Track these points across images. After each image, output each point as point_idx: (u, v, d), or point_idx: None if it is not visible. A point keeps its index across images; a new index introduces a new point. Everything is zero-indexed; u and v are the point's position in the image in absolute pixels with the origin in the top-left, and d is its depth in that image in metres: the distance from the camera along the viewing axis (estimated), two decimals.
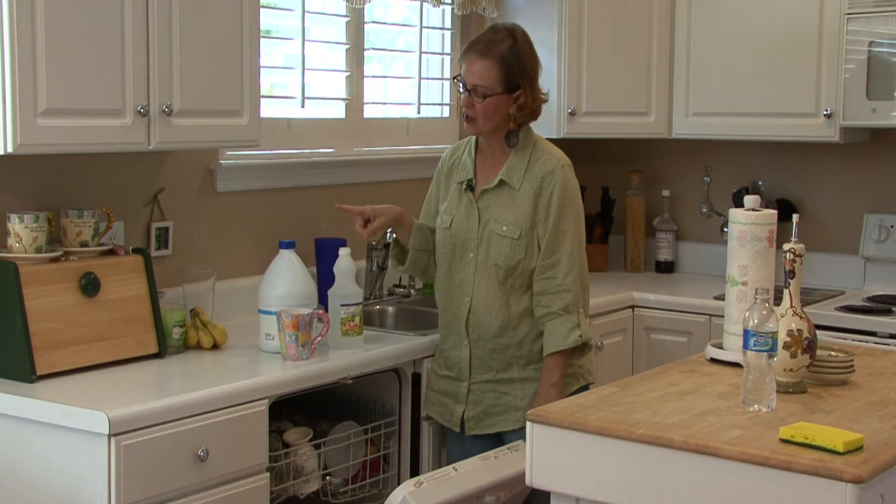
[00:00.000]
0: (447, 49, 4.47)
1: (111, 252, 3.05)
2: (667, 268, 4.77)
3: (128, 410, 2.54)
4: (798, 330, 2.54)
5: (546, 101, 3.23)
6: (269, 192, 3.77)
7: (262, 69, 3.30)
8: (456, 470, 2.80)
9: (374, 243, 3.90)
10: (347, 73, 4.04)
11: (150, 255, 3.12)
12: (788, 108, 4.19)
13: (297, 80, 3.83)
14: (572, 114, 4.40)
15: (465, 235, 3.20)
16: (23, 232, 2.89)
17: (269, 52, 3.71)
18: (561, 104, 4.38)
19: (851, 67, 4.00)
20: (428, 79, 4.40)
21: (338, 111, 4.06)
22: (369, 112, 4.17)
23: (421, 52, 4.34)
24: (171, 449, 2.62)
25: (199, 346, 3.15)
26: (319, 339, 3.13)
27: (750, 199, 2.82)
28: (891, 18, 3.94)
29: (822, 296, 4.21)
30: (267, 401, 2.87)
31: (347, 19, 4.02)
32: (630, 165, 4.87)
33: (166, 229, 3.42)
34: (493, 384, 3.20)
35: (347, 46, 4.03)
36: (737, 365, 2.68)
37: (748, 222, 2.78)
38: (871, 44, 3.97)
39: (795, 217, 2.67)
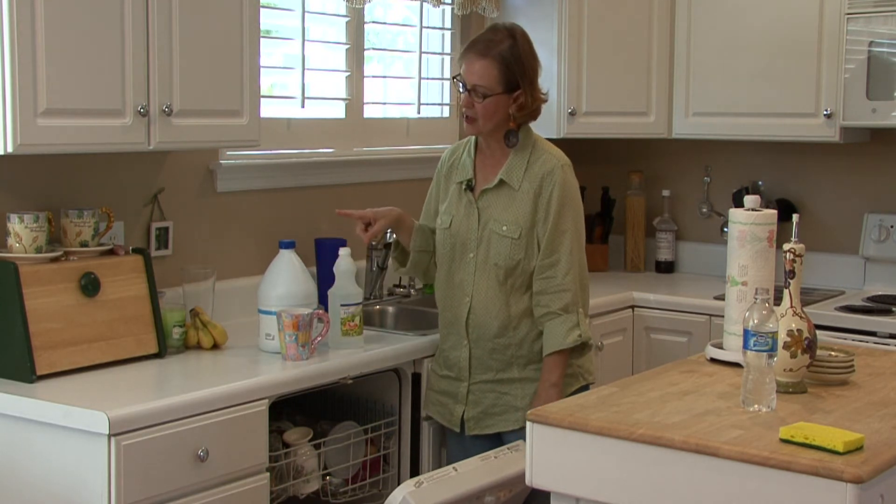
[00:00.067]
0: (447, 49, 4.47)
1: (111, 252, 3.05)
2: (667, 268, 4.78)
3: (128, 410, 2.54)
4: (798, 330, 2.54)
5: (546, 100, 3.23)
6: (269, 192, 3.77)
7: (262, 69, 3.30)
8: (456, 470, 2.80)
9: (374, 243, 3.89)
10: (347, 73, 4.04)
11: (150, 255, 3.12)
12: (788, 108, 4.19)
13: (297, 80, 3.83)
14: (572, 114, 4.40)
15: (464, 235, 3.20)
16: (23, 232, 2.89)
17: (269, 52, 3.71)
18: (561, 104, 4.38)
19: (851, 67, 4.00)
20: (428, 79, 4.40)
21: (338, 111, 4.06)
22: (369, 112, 4.17)
23: (421, 52, 4.34)
24: (171, 449, 2.62)
25: (199, 346, 3.15)
26: (319, 339, 3.13)
27: (750, 199, 2.82)
28: (891, 18, 3.94)
29: (822, 296, 4.21)
30: (267, 401, 2.87)
31: (347, 19, 4.02)
32: (630, 165, 4.87)
33: (166, 229, 3.42)
34: (493, 384, 3.20)
35: (347, 46, 4.03)
36: (737, 365, 2.68)
37: (748, 222, 2.78)
38: (871, 44, 3.97)
39: (795, 217, 2.67)
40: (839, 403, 2.48)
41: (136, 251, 3.09)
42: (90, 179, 3.23)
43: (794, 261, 2.57)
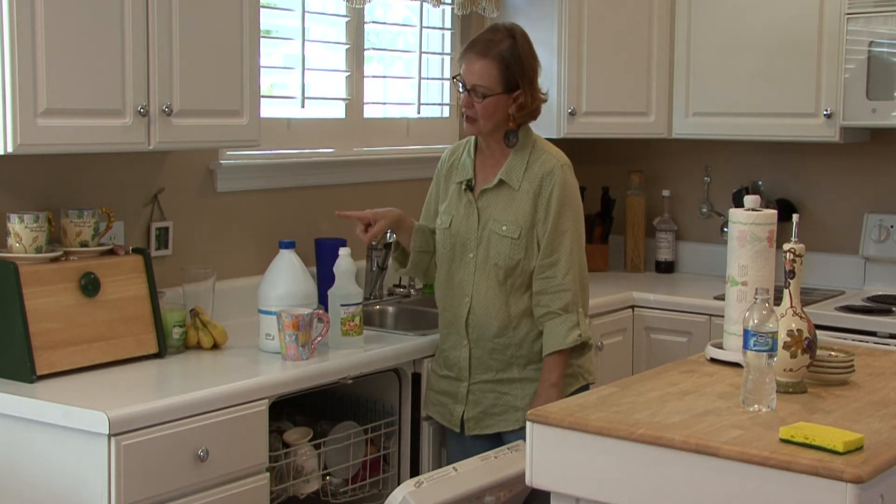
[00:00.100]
0: (447, 49, 4.47)
1: (111, 252, 3.05)
2: (667, 268, 4.78)
3: (128, 410, 2.54)
4: (798, 330, 2.54)
5: (546, 100, 3.23)
6: (269, 192, 3.77)
7: (262, 69, 3.30)
8: (456, 470, 2.80)
9: (374, 243, 3.90)
10: (347, 73, 4.04)
11: (150, 255, 3.12)
12: (788, 108, 4.19)
13: (297, 80, 3.83)
14: (572, 114, 4.40)
15: (464, 235, 3.20)
16: (23, 232, 2.89)
17: (269, 52, 3.71)
18: (561, 104, 4.38)
19: (851, 67, 4.00)
20: (428, 79, 4.40)
21: (338, 111, 4.06)
22: (369, 112, 4.17)
23: (421, 52, 4.34)
24: (171, 449, 2.62)
25: (199, 346, 3.15)
26: (319, 339, 3.13)
27: (750, 199, 2.82)
28: (891, 18, 3.94)
29: (822, 296, 4.21)
30: (267, 401, 2.87)
31: (347, 19, 4.02)
32: (630, 165, 4.87)
33: (166, 229, 3.42)
34: (493, 384, 3.20)
35: (347, 46, 4.03)
36: (737, 365, 2.68)
37: (748, 222, 2.77)
38: (871, 44, 3.97)
39: (795, 217, 2.67)
40: (839, 403, 2.48)
41: (136, 251, 3.09)
42: (90, 179, 3.23)
43: (794, 261, 2.57)
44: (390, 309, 3.91)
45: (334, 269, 3.29)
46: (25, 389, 2.70)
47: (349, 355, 3.16)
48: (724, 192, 4.61)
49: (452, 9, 4.39)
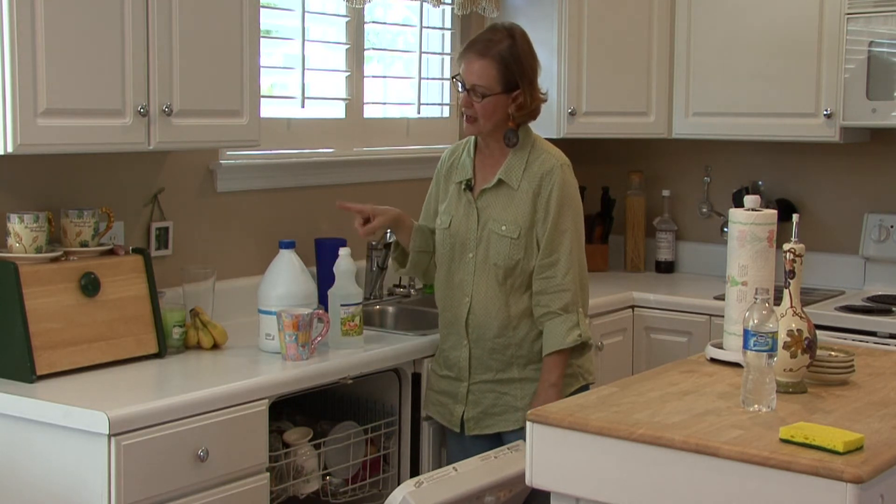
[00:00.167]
0: (447, 49, 4.47)
1: (111, 252, 3.05)
2: (667, 268, 4.78)
3: (128, 410, 2.54)
4: (798, 330, 2.54)
5: (545, 100, 3.23)
6: (269, 192, 3.77)
7: (262, 69, 3.30)
8: (456, 470, 2.80)
9: (374, 243, 3.90)
10: (347, 73, 4.04)
11: (150, 255, 3.12)
12: (788, 108, 4.19)
13: (297, 80, 3.83)
14: (572, 114, 4.40)
15: (464, 235, 3.20)
16: (23, 232, 2.89)
17: (269, 52, 3.71)
18: (561, 104, 4.38)
19: (851, 67, 4.00)
20: (428, 79, 4.40)
21: (338, 111, 4.06)
22: (369, 112, 4.17)
23: (421, 52, 4.34)
24: (171, 449, 2.62)
25: (199, 346, 3.15)
26: (319, 339, 3.13)
27: (750, 199, 2.81)
28: (891, 18, 3.94)
29: (822, 296, 4.21)
30: (267, 401, 2.87)
31: (347, 19, 4.02)
32: (630, 165, 4.87)
33: (166, 229, 3.42)
34: (493, 384, 3.20)
35: (347, 46, 4.03)
36: (737, 365, 2.68)
37: (748, 222, 2.77)
38: (871, 44, 3.97)
39: (795, 217, 2.67)
40: (839, 403, 2.48)
41: (136, 251, 3.09)
42: (90, 179, 3.23)
43: (794, 261, 2.57)
44: (390, 309, 3.91)
45: (334, 269, 3.29)
46: (25, 389, 2.70)
47: (349, 355, 3.16)
48: (724, 192, 4.61)
49: (452, 9, 4.39)
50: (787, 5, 4.17)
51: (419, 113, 4.36)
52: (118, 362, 2.94)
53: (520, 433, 3.03)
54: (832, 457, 2.08)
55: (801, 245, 2.58)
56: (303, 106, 3.86)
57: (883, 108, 3.95)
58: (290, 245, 3.26)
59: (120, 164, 3.29)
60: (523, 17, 4.29)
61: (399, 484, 2.87)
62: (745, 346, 2.40)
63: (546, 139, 3.27)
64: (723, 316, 2.89)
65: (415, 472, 3.32)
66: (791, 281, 2.58)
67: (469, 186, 3.23)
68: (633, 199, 4.82)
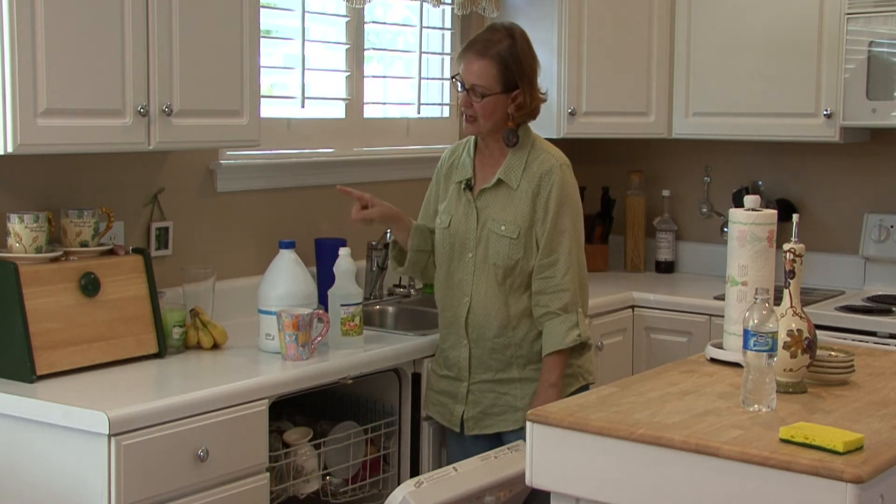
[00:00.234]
0: (447, 49, 4.47)
1: (111, 252, 3.05)
2: (667, 268, 4.78)
3: (128, 410, 2.54)
4: (798, 330, 2.54)
5: (545, 100, 3.23)
6: (269, 192, 3.77)
7: (262, 69, 3.30)
8: (456, 470, 2.80)
9: (374, 243, 3.90)
10: (347, 73, 4.04)
11: (150, 255, 3.12)
12: (788, 108, 4.19)
13: (297, 80, 3.83)
14: (572, 114, 4.40)
15: (463, 235, 3.20)
16: (23, 232, 2.89)
17: (269, 52, 3.71)
18: (561, 104, 4.38)
19: (851, 67, 4.00)
20: (428, 79, 4.40)
21: (338, 111, 4.06)
22: (369, 112, 4.17)
23: (421, 52, 4.34)
24: (171, 449, 2.62)
25: (199, 346, 3.15)
26: (319, 339, 3.13)
27: (750, 199, 2.81)
28: (891, 18, 3.94)
29: (822, 296, 4.21)
30: (267, 401, 2.87)
31: (347, 19, 4.02)
32: (630, 165, 4.87)
33: (166, 229, 3.42)
34: (493, 384, 3.20)
35: (347, 46, 4.03)
36: (737, 365, 2.68)
37: (748, 222, 2.77)
38: (871, 44, 3.97)
39: (795, 217, 2.67)
40: (839, 403, 2.48)
41: (136, 251, 3.09)
42: (90, 179, 3.23)
43: (794, 261, 2.57)
44: (390, 309, 3.91)
45: (334, 269, 3.29)
46: (25, 389, 2.70)
47: (349, 355, 3.16)
48: (724, 192, 4.61)
49: (452, 9, 4.39)
50: (787, 5, 4.17)
51: (419, 113, 4.36)
52: (118, 362, 2.94)
53: (519, 433, 3.03)
54: (832, 457, 2.07)
55: (801, 245, 2.58)
56: (303, 106, 3.86)
57: (883, 108, 3.95)
58: (290, 245, 3.26)
59: (120, 164, 3.29)
60: (523, 17, 4.29)
61: (399, 484, 2.87)
62: (745, 346, 2.40)
63: (546, 139, 3.27)
64: (723, 316, 2.89)
65: (415, 472, 3.32)
66: (791, 281, 2.58)
67: (469, 186, 3.23)
68: (633, 199, 4.82)
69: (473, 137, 3.26)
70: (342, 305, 3.22)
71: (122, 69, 2.89)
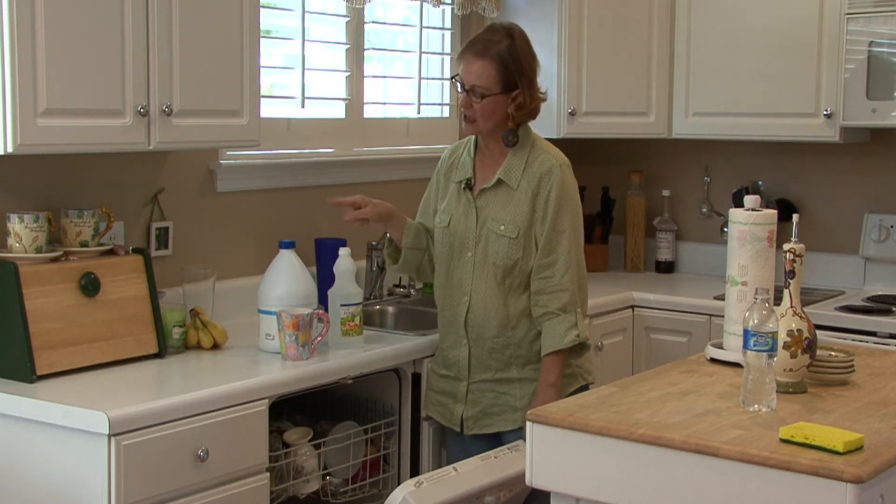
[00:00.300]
0: (447, 49, 4.47)
1: (111, 252, 3.05)
2: (667, 268, 4.78)
3: (128, 410, 2.54)
4: (798, 330, 2.54)
5: (545, 100, 3.23)
6: (269, 192, 3.77)
7: (262, 69, 3.30)
8: (456, 470, 2.80)
9: (374, 243, 3.90)
10: (347, 73, 4.04)
11: (150, 255, 3.12)
12: (788, 108, 4.19)
13: (297, 80, 3.83)
14: (572, 114, 4.40)
15: (463, 234, 3.20)
16: (23, 232, 2.89)
17: (269, 52, 3.71)
18: (561, 104, 4.38)
19: (851, 67, 4.00)
20: (428, 79, 4.40)
21: (338, 111, 4.06)
22: (369, 112, 4.17)
23: (421, 52, 4.34)
24: (171, 449, 2.62)
25: (199, 346, 3.15)
26: (319, 339, 3.13)
27: (750, 199, 2.82)
28: (891, 18, 3.94)
29: (822, 296, 4.21)
30: (267, 401, 2.87)
31: (347, 19, 4.02)
32: (630, 165, 4.87)
33: (166, 229, 3.42)
34: (492, 384, 3.20)
35: (347, 46, 4.03)
36: (737, 365, 2.68)
37: (748, 222, 2.77)
38: (871, 44, 3.97)
39: (795, 217, 2.67)
40: (839, 403, 2.48)
41: (136, 251, 3.09)
42: (90, 179, 3.23)
43: (794, 261, 2.57)
44: (390, 309, 3.91)
45: (334, 269, 3.29)
46: (25, 389, 2.70)
47: (349, 355, 3.16)
48: (724, 192, 4.61)
49: (452, 9, 4.39)
50: (787, 5, 4.17)
51: (419, 113, 4.36)
52: (118, 362, 2.94)
53: (518, 433, 3.04)
54: (832, 457, 2.08)
55: (801, 245, 2.58)
56: (303, 106, 3.86)
57: (883, 108, 3.95)
58: (290, 245, 3.26)
59: (120, 164, 3.29)
60: (523, 17, 4.29)
61: (399, 484, 2.87)
62: (745, 346, 2.40)
63: (546, 139, 3.27)
64: (723, 316, 2.89)
65: (415, 472, 3.32)
66: (791, 281, 2.58)
67: (469, 186, 3.23)
68: (633, 199, 4.82)
69: (474, 137, 3.26)
70: (342, 305, 3.22)
71: (122, 69, 2.89)
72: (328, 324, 3.16)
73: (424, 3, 4.26)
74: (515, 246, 3.12)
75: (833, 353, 2.73)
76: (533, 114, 3.20)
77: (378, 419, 3.35)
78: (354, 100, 4.08)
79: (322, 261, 3.71)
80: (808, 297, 4.05)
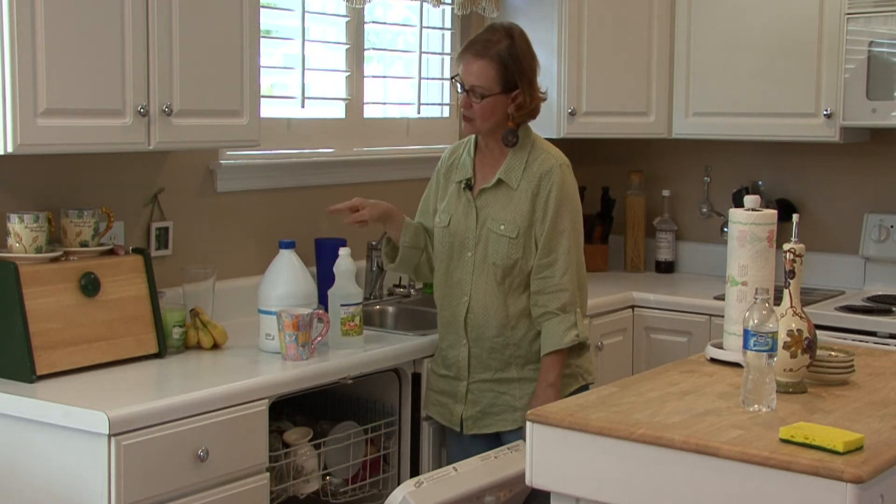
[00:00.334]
0: (447, 49, 4.47)
1: (111, 252, 3.05)
2: (667, 268, 4.78)
3: (128, 410, 2.54)
4: (798, 330, 2.54)
5: (545, 100, 3.23)
6: (269, 192, 3.77)
7: (262, 69, 3.30)
8: (456, 470, 2.80)
9: (374, 243, 3.90)
10: (347, 73, 4.04)
11: (150, 255, 3.12)
12: (788, 108, 4.19)
13: (297, 80, 3.83)
14: (572, 114, 4.40)
15: (462, 234, 3.20)
16: (23, 232, 2.89)
17: (269, 52, 3.71)
18: (561, 104, 4.38)
19: (851, 67, 4.00)
20: (428, 79, 4.40)
21: (338, 111, 4.06)
22: (369, 112, 4.17)
23: (421, 52, 4.34)
24: (171, 449, 2.62)
25: (199, 346, 3.15)
26: (319, 339, 3.13)
27: (750, 199, 2.81)
28: (891, 18, 3.94)
29: (822, 296, 4.21)
30: (267, 401, 2.87)
31: (347, 19, 4.02)
32: (630, 165, 4.87)
33: (166, 229, 3.42)
34: (492, 384, 3.20)
35: (347, 46, 4.03)
36: (737, 365, 2.68)
37: (748, 222, 2.77)
38: (871, 44, 3.97)
39: (795, 217, 2.67)
40: (839, 403, 2.48)
41: (136, 251, 3.09)
42: (90, 179, 3.23)
43: (794, 261, 2.57)
44: (390, 309, 3.91)
45: (334, 269, 3.29)
46: (25, 389, 2.70)
47: (349, 355, 3.16)
48: (724, 192, 4.61)
49: (452, 9, 4.39)
50: (787, 5, 4.17)
51: (419, 113, 4.36)
52: (118, 362, 2.94)
53: (518, 433, 3.04)
54: (832, 457, 2.08)
55: (801, 245, 2.58)
56: (303, 106, 3.86)
57: (883, 108, 3.95)
58: (290, 245, 3.26)
59: (120, 164, 3.29)
60: (523, 17, 4.29)
61: (399, 484, 2.87)
62: (745, 346, 2.40)
63: (546, 139, 3.27)
64: (723, 316, 2.89)
65: (415, 472, 3.32)
66: (791, 281, 2.58)
67: (469, 186, 3.23)
68: (633, 199, 4.82)
69: (474, 137, 3.26)
70: (342, 305, 3.22)
71: (122, 69, 2.89)
72: (328, 324, 3.16)
73: (424, 3, 4.26)
74: (515, 246, 3.12)
75: (833, 353, 2.73)
76: (533, 114, 3.20)
77: (378, 419, 3.35)
78: (354, 100, 4.08)
79: (322, 261, 3.71)
80: (808, 297, 4.05)
